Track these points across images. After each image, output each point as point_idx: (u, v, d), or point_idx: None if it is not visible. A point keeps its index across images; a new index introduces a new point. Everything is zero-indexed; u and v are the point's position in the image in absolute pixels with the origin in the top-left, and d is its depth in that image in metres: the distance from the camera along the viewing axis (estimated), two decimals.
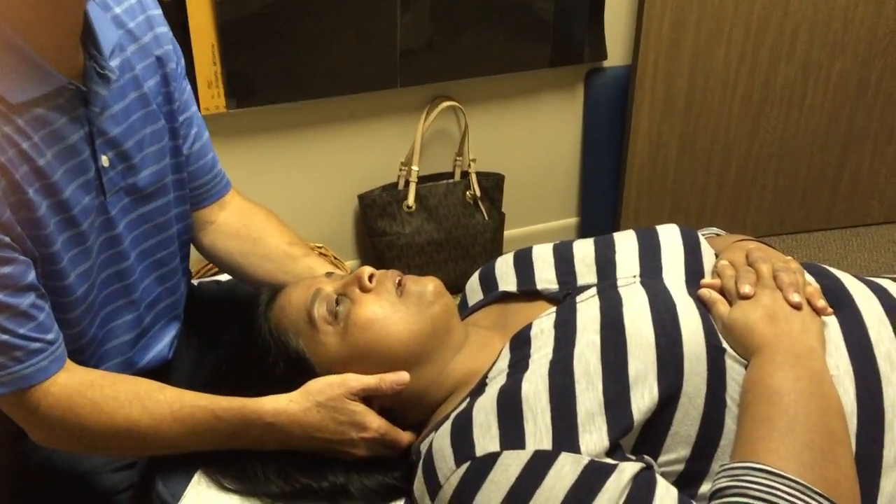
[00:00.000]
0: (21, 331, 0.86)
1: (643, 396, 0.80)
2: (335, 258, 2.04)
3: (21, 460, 1.07)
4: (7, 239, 0.84)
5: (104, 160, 0.95)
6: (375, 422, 0.94)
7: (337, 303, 0.94)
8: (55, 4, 0.84)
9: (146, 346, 1.13)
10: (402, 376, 0.93)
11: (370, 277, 0.96)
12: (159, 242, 1.09)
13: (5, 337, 0.85)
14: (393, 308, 0.93)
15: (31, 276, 0.87)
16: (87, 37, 0.92)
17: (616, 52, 2.23)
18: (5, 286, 0.84)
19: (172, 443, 0.94)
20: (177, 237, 1.12)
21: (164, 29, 1.05)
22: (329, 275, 1.01)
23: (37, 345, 0.88)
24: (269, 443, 0.94)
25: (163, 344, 1.16)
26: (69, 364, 0.93)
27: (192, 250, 1.21)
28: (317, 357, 0.94)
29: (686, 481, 0.81)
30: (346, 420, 0.93)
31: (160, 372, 1.14)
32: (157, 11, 1.05)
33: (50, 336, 0.89)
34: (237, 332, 1.02)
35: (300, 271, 1.13)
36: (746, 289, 0.88)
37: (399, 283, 0.96)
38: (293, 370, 0.94)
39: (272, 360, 0.95)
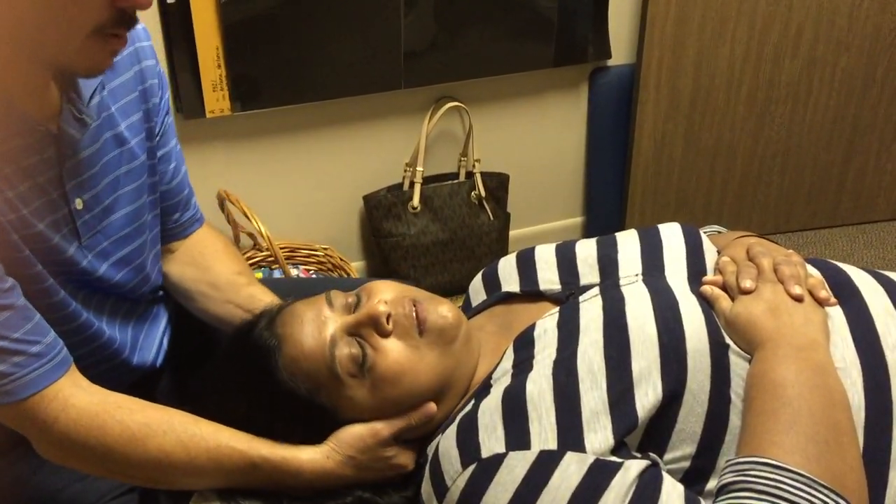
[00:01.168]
0: (16, 335, 0.82)
1: (647, 394, 0.80)
2: (341, 259, 2.04)
3: (13, 468, 1.04)
4: None
5: (78, 203, 0.92)
6: (409, 458, 0.93)
7: (359, 356, 0.89)
8: (23, 53, 0.81)
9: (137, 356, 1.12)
10: (430, 409, 0.91)
11: (388, 318, 0.90)
12: (139, 281, 1.07)
13: (2, 343, 0.81)
14: (417, 354, 0.90)
15: (11, 280, 0.83)
16: (67, 80, 0.89)
17: (620, 51, 2.23)
18: None
19: (202, 479, 0.90)
20: (153, 275, 1.11)
21: (151, 62, 1.03)
22: (328, 298, 0.94)
23: (36, 348, 0.84)
24: (303, 489, 0.92)
25: (151, 350, 1.14)
26: (81, 379, 0.89)
27: None
28: (342, 409, 0.91)
29: (692, 478, 0.81)
30: (383, 468, 0.92)
31: (154, 377, 1.13)
32: (147, 43, 1.03)
33: (48, 339, 0.86)
34: (244, 373, 0.95)
35: (241, 301, 1.13)
36: (748, 283, 0.88)
37: (417, 319, 0.91)
38: (315, 419, 0.91)
39: (289, 412, 0.91)
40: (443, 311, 0.92)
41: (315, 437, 0.92)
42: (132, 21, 0.80)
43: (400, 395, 0.90)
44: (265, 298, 1.11)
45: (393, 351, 0.89)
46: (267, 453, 0.89)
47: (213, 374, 0.98)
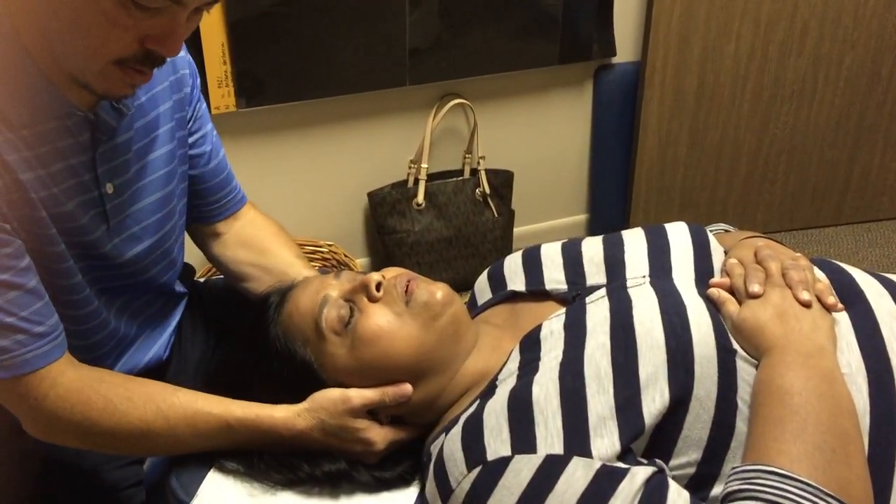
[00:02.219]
0: (23, 313, 0.85)
1: (654, 399, 0.80)
2: (346, 256, 2.04)
3: (24, 455, 1.07)
4: (7, 227, 0.84)
5: (108, 187, 0.95)
6: (380, 435, 0.94)
7: (343, 311, 0.93)
8: (85, 46, 0.83)
9: (141, 348, 1.13)
10: (405, 389, 0.93)
11: (377, 286, 0.94)
12: (164, 266, 1.09)
13: (9, 319, 0.84)
14: (399, 321, 0.92)
15: (28, 259, 0.86)
16: None
17: (625, 49, 2.23)
18: (7, 268, 0.83)
19: (184, 446, 0.94)
20: (178, 260, 1.13)
21: (181, 54, 1.04)
22: (337, 275, 1.00)
23: (40, 328, 0.87)
24: (283, 446, 0.94)
25: (156, 346, 1.16)
26: (73, 359, 0.92)
27: (191, 252, 1.22)
28: (324, 366, 0.94)
29: (698, 484, 0.81)
30: (349, 438, 0.93)
31: (156, 371, 1.14)
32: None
33: (52, 321, 0.88)
34: (244, 333, 1.02)
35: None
36: (755, 287, 0.88)
37: (407, 290, 0.95)
38: (300, 377, 0.94)
39: (278, 366, 0.95)
40: (433, 289, 0.95)
41: (298, 398, 0.94)
42: (158, 62, 0.82)
43: (376, 357, 0.92)
44: None
45: (376, 314, 0.93)
46: (240, 414, 0.93)
47: (230, 339, 1.05)
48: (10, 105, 0.83)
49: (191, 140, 1.10)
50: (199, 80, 1.11)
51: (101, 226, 0.96)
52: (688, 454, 0.81)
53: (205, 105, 1.13)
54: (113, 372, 0.97)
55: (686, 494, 0.76)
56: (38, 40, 0.82)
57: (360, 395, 0.92)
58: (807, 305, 0.86)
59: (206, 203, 1.17)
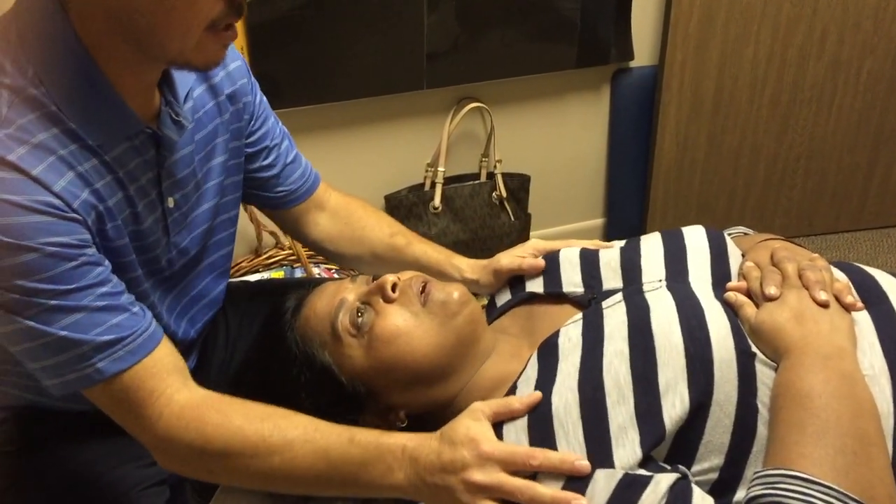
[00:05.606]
0: (121, 300, 0.86)
1: (674, 405, 0.80)
2: None
3: (46, 465, 1.07)
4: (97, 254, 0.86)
5: (170, 202, 0.97)
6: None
7: (359, 313, 0.93)
8: (142, 60, 0.86)
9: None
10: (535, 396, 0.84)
11: (393, 287, 0.94)
12: (212, 279, 1.12)
13: (105, 301, 0.85)
14: (416, 320, 0.92)
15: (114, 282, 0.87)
16: (164, 82, 0.94)
17: (643, 53, 2.22)
18: (88, 262, 0.84)
19: (300, 469, 0.86)
20: (225, 272, 1.16)
21: (237, 63, 1.07)
22: (354, 278, 1.00)
23: (136, 308, 0.88)
24: (395, 476, 0.84)
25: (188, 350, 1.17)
26: (188, 379, 0.91)
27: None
28: (342, 369, 0.94)
29: (721, 489, 0.80)
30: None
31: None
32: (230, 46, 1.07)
33: (136, 301, 0.90)
34: (262, 337, 1.02)
35: (410, 262, 1.18)
36: (772, 290, 0.87)
37: (423, 290, 0.95)
38: (319, 381, 0.94)
39: (297, 371, 0.95)
40: (450, 289, 0.95)
41: (319, 402, 0.93)
42: (241, 9, 0.83)
43: (394, 357, 0.91)
44: (433, 255, 1.20)
45: (392, 314, 0.93)
46: (364, 432, 0.87)
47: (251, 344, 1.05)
48: (88, 123, 0.84)
49: (253, 138, 1.12)
50: (256, 85, 1.12)
51: (163, 239, 0.99)
52: (710, 459, 0.80)
53: (265, 100, 1.15)
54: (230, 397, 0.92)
55: (710, 500, 0.76)
56: (108, 45, 0.83)
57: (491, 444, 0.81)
58: (824, 306, 0.85)
59: (286, 191, 1.20)
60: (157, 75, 0.92)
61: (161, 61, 0.88)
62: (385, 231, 1.24)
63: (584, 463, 0.77)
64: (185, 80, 0.97)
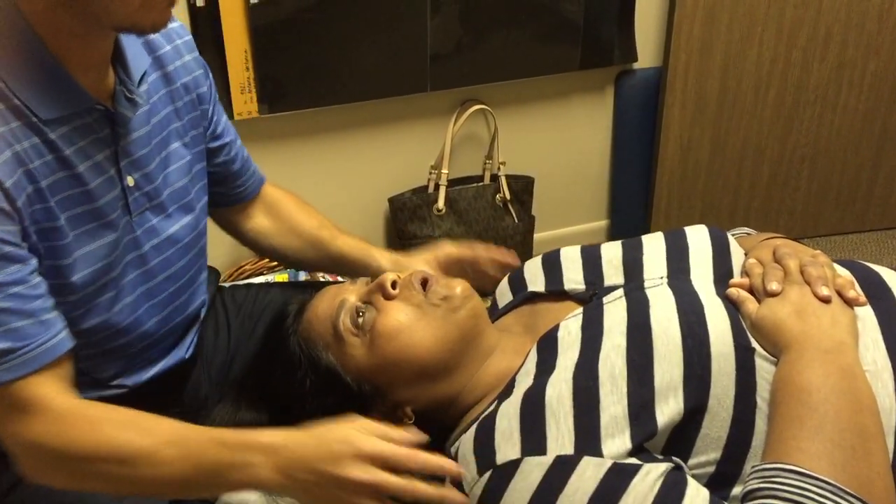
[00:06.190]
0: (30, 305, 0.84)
1: (668, 400, 0.80)
2: None
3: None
4: (17, 241, 0.83)
5: (129, 180, 0.97)
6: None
7: (359, 313, 0.94)
8: (88, 31, 0.86)
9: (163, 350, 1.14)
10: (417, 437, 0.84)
11: (393, 284, 0.95)
12: (187, 262, 1.10)
13: (11, 303, 0.82)
14: (418, 314, 0.93)
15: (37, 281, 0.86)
16: (118, 61, 0.94)
17: (646, 54, 2.22)
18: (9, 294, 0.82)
19: (166, 474, 0.84)
20: (199, 254, 1.15)
21: (191, 56, 1.08)
22: (354, 280, 1.01)
23: (48, 316, 0.85)
24: (262, 473, 0.82)
25: (180, 347, 1.16)
26: (67, 386, 0.88)
27: (214, 256, 1.25)
28: (347, 369, 0.94)
29: (718, 483, 0.81)
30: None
31: (178, 372, 1.15)
32: (187, 38, 1.08)
33: (53, 309, 0.86)
34: (265, 343, 1.02)
35: (335, 255, 1.24)
36: (773, 285, 0.88)
37: (424, 285, 0.95)
38: (325, 383, 0.94)
39: (301, 375, 0.95)
40: (452, 284, 0.96)
41: (324, 404, 0.92)
42: None
43: (397, 352, 0.91)
44: (355, 246, 1.25)
45: (393, 310, 0.93)
46: (230, 433, 0.86)
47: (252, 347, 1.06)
48: (37, 99, 0.85)
49: (215, 133, 1.14)
50: (212, 79, 1.14)
51: (124, 217, 0.98)
52: (707, 453, 0.81)
53: (217, 97, 1.17)
54: (99, 402, 0.90)
55: (705, 492, 0.76)
56: (52, 20, 0.83)
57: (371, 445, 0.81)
58: (826, 301, 0.85)
59: (234, 188, 1.22)
60: (108, 48, 0.92)
61: (107, 26, 0.87)
62: (313, 224, 1.27)
63: (457, 471, 0.81)
64: (139, 63, 0.98)
